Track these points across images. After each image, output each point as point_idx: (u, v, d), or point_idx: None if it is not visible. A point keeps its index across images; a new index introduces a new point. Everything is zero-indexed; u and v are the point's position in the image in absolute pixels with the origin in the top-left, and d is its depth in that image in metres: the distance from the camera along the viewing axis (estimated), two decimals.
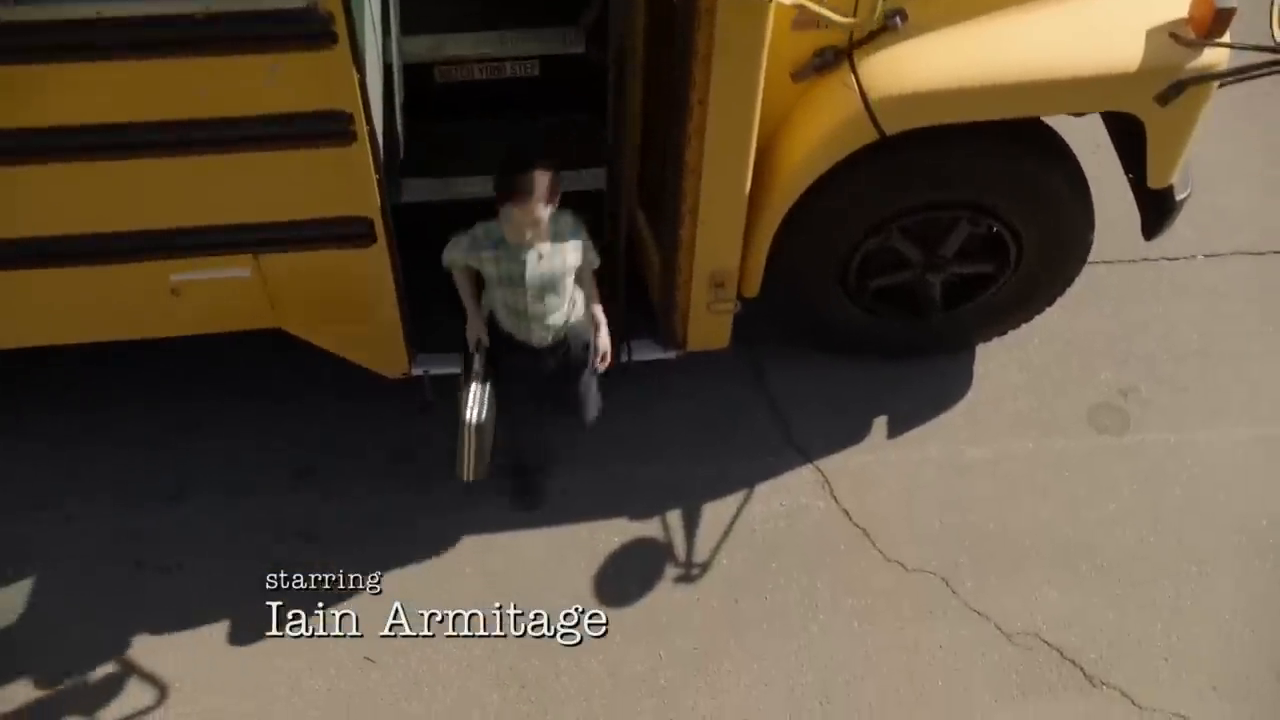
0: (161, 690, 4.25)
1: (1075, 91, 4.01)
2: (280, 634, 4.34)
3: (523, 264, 3.76)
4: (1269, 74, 3.89)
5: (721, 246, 4.24)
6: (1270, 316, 5.21)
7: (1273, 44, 3.80)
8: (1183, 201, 4.46)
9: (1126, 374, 5.03)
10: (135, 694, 4.24)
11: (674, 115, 3.86)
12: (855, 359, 4.97)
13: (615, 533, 4.59)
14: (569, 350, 4.08)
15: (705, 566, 4.54)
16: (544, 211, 3.62)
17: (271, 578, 4.41)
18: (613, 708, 4.23)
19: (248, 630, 4.36)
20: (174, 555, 4.50)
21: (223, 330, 4.35)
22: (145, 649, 4.31)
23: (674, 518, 4.64)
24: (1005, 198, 4.37)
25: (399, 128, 4.49)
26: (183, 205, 3.82)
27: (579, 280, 3.96)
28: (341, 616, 4.37)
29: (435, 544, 4.53)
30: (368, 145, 3.71)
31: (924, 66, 3.92)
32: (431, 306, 4.41)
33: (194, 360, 4.91)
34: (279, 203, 3.86)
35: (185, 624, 4.37)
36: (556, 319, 3.94)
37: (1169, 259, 5.37)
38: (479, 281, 3.97)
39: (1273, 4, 3.79)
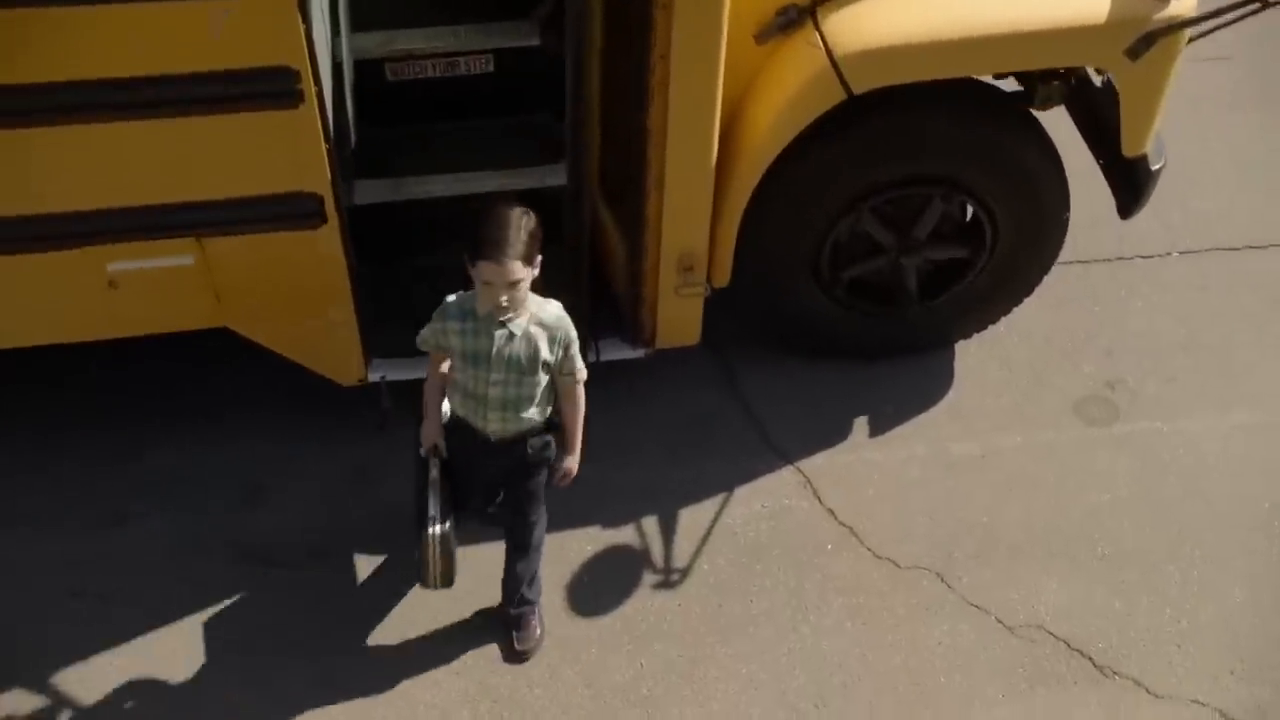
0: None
1: (1044, 45, 3.92)
2: (230, 659, 4.01)
3: (490, 340, 3.37)
4: (1241, 18, 3.82)
5: (689, 223, 4.07)
6: (1250, 308, 5.09)
7: None
8: (1158, 172, 4.35)
9: (1111, 367, 4.87)
10: None
11: (636, 74, 3.72)
12: (830, 361, 4.78)
13: (588, 541, 4.32)
14: (524, 454, 3.64)
15: (685, 571, 4.27)
16: (522, 273, 3.22)
17: (221, 602, 4.11)
18: None
19: (191, 658, 4.01)
20: (113, 582, 4.17)
21: (166, 330, 4.10)
22: (79, 679, 3.96)
23: (650, 523, 4.37)
24: (978, 171, 4.25)
25: (350, 126, 4.34)
26: (117, 181, 3.60)
27: (558, 398, 3.60)
28: (295, 639, 4.05)
29: (398, 560, 4.23)
30: (316, 109, 3.54)
31: (891, 22, 3.83)
32: (386, 316, 4.23)
33: (136, 381, 4.65)
34: (222, 177, 3.65)
35: (123, 653, 4.02)
36: (514, 420, 3.52)
37: (1144, 257, 5.26)
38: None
39: None
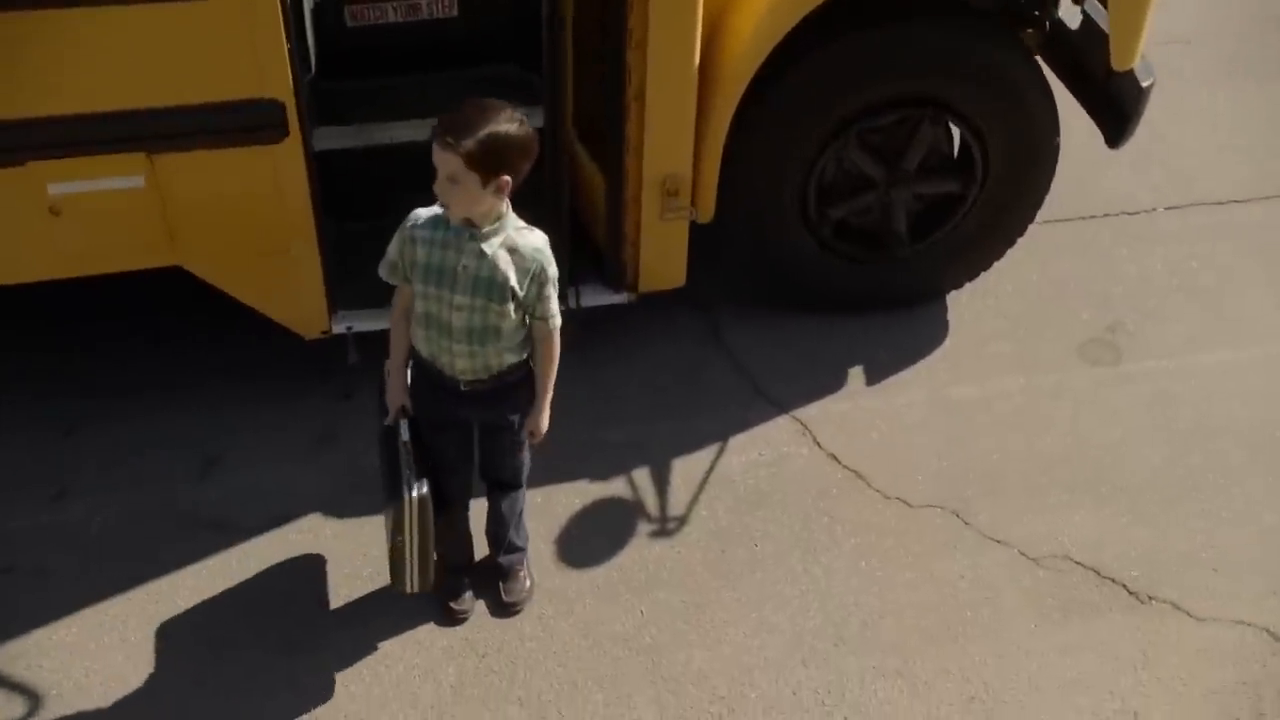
0: (35, 700, 3.46)
1: None
2: (188, 627, 3.61)
3: (458, 255, 2.99)
4: None
5: (672, 140, 3.86)
6: (1239, 254, 4.95)
7: None
8: (1149, 89, 4.23)
9: (1108, 312, 4.68)
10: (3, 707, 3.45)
11: None
12: (819, 314, 4.56)
13: (575, 495, 3.99)
14: (493, 405, 3.27)
15: (682, 520, 3.95)
16: (461, 174, 2.84)
17: (175, 570, 3.73)
18: (594, 670, 3.54)
19: (144, 627, 3.61)
20: (50, 557, 3.77)
21: (114, 269, 3.77)
22: (11, 657, 3.54)
23: (640, 475, 4.06)
24: (966, 89, 4.10)
25: (310, 55, 4.09)
26: (57, 83, 3.32)
27: (531, 341, 3.19)
28: (260, 605, 3.66)
29: (369, 524, 3.86)
30: None
31: None
32: (350, 274, 3.96)
33: (77, 350, 4.32)
34: (173, 80, 3.38)
35: (66, 627, 3.61)
36: (483, 356, 3.12)
37: (1129, 213, 5.13)
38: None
39: None
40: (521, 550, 3.71)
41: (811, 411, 4.28)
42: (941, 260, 4.53)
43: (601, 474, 4.05)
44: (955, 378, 4.42)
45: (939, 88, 4.10)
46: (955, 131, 4.32)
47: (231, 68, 3.39)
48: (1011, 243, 4.57)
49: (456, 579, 3.67)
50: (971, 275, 4.63)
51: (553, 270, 3.08)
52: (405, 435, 3.30)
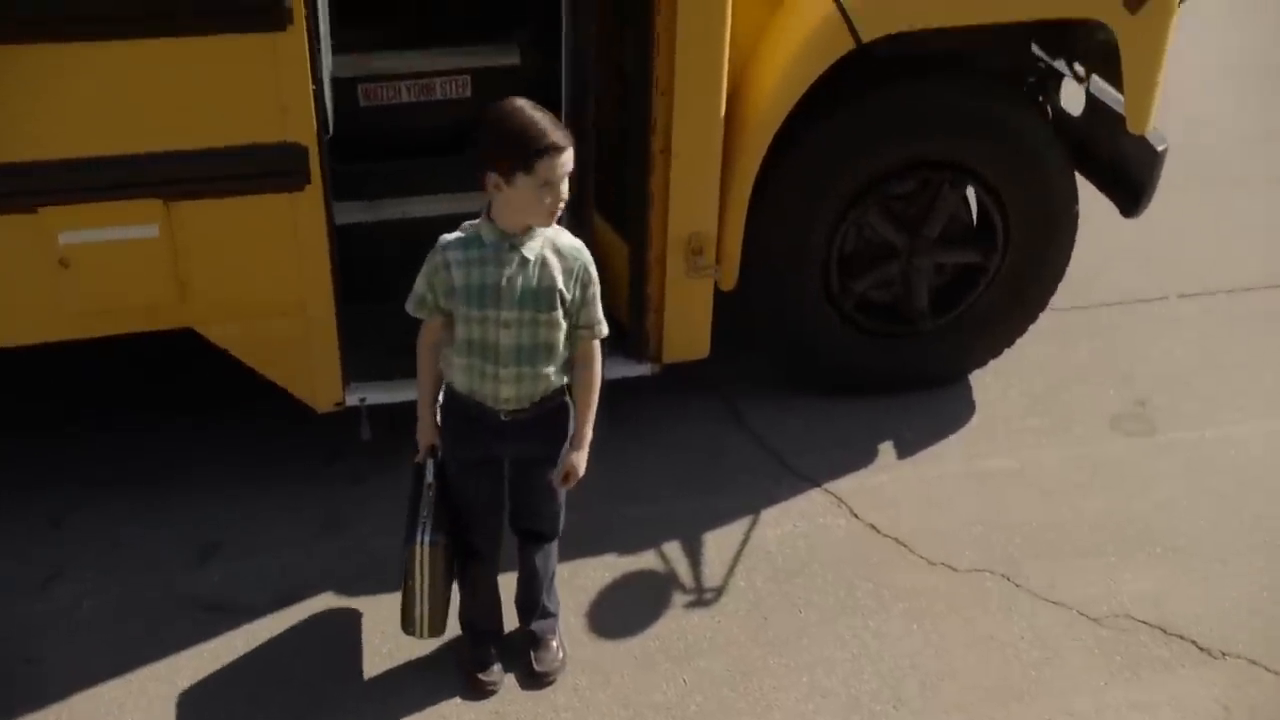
0: None
1: None
2: (195, 707, 3.30)
3: (500, 268, 2.82)
4: None
5: (698, 197, 3.80)
6: (1263, 334, 4.90)
7: None
8: (1163, 153, 4.24)
9: (1136, 389, 4.58)
10: None
11: (640, 22, 3.55)
12: (841, 397, 4.42)
13: (602, 569, 3.76)
14: (533, 436, 3.05)
15: (719, 590, 3.71)
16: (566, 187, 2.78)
17: (176, 654, 3.45)
18: None
19: (143, 712, 3.29)
20: (43, 647, 3.47)
21: (121, 330, 3.60)
22: None
23: (670, 549, 3.84)
24: (985, 152, 4.10)
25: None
26: (71, 123, 3.22)
27: (572, 365, 3.02)
28: (271, 689, 3.36)
29: (384, 603, 3.60)
30: (305, 33, 3.27)
31: None
32: (363, 345, 3.83)
33: (70, 435, 4.10)
34: (192, 121, 3.29)
35: (55, 715, 3.29)
36: (531, 380, 2.93)
37: (1143, 301, 5.10)
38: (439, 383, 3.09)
39: None
40: (554, 616, 3.45)
41: (843, 485, 4.10)
42: (965, 336, 4.45)
43: (628, 548, 3.83)
44: (988, 450, 4.27)
45: (957, 149, 4.09)
46: (975, 203, 4.31)
47: (253, 109, 3.32)
48: (1033, 318, 4.50)
49: (484, 649, 3.40)
50: (995, 352, 4.53)
51: (594, 270, 2.95)
52: (430, 477, 3.11)
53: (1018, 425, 4.40)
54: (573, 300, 2.91)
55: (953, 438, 4.33)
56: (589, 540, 3.77)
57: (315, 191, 3.47)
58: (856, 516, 3.98)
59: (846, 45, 3.74)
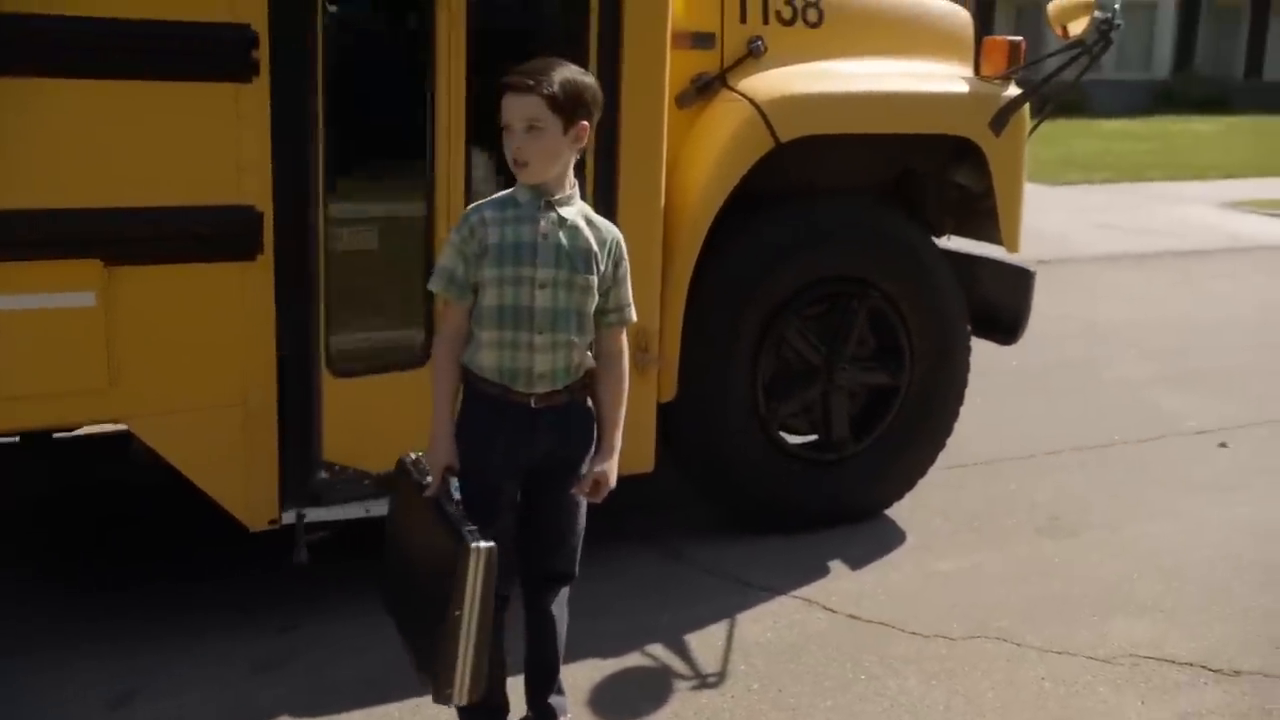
0: None
1: (932, 110, 4.24)
2: None
3: (534, 227, 2.69)
4: (1071, 64, 4.32)
5: (640, 290, 3.73)
6: (1153, 463, 5.16)
7: (1064, 42, 4.31)
8: (1034, 274, 4.59)
9: (1048, 509, 4.67)
10: None
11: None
12: (773, 532, 4.29)
13: (593, 670, 3.39)
14: (561, 430, 2.79)
15: (721, 674, 3.39)
16: (545, 118, 2.63)
17: None
18: None
19: None
20: None
21: (45, 426, 3.15)
22: None
23: (657, 650, 3.51)
24: (883, 265, 4.30)
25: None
26: (7, 170, 2.96)
27: (599, 356, 2.85)
28: None
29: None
30: (268, 86, 3.19)
31: (800, 84, 4.05)
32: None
33: None
34: (140, 175, 3.08)
35: None
36: (564, 351, 2.73)
37: (1016, 458, 5.28)
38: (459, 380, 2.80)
39: (1047, 9, 4.34)
40: (564, 694, 3.04)
41: (808, 591, 3.91)
42: (882, 463, 4.46)
43: (614, 653, 3.48)
44: (937, 556, 4.21)
45: (859, 264, 4.29)
46: (878, 327, 4.47)
47: (207, 166, 3.16)
48: (941, 444, 4.58)
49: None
50: (910, 482, 4.55)
51: (625, 249, 2.84)
52: (457, 494, 2.76)
53: (954, 539, 4.37)
54: (605, 273, 2.78)
55: (898, 550, 4.26)
56: (570, 648, 3.39)
57: (266, 263, 3.27)
58: (833, 611, 3.78)
59: (766, 143, 3.96)
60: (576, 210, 2.77)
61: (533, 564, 2.93)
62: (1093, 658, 3.53)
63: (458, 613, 2.60)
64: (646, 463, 3.95)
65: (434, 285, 2.76)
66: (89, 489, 4.53)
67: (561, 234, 2.72)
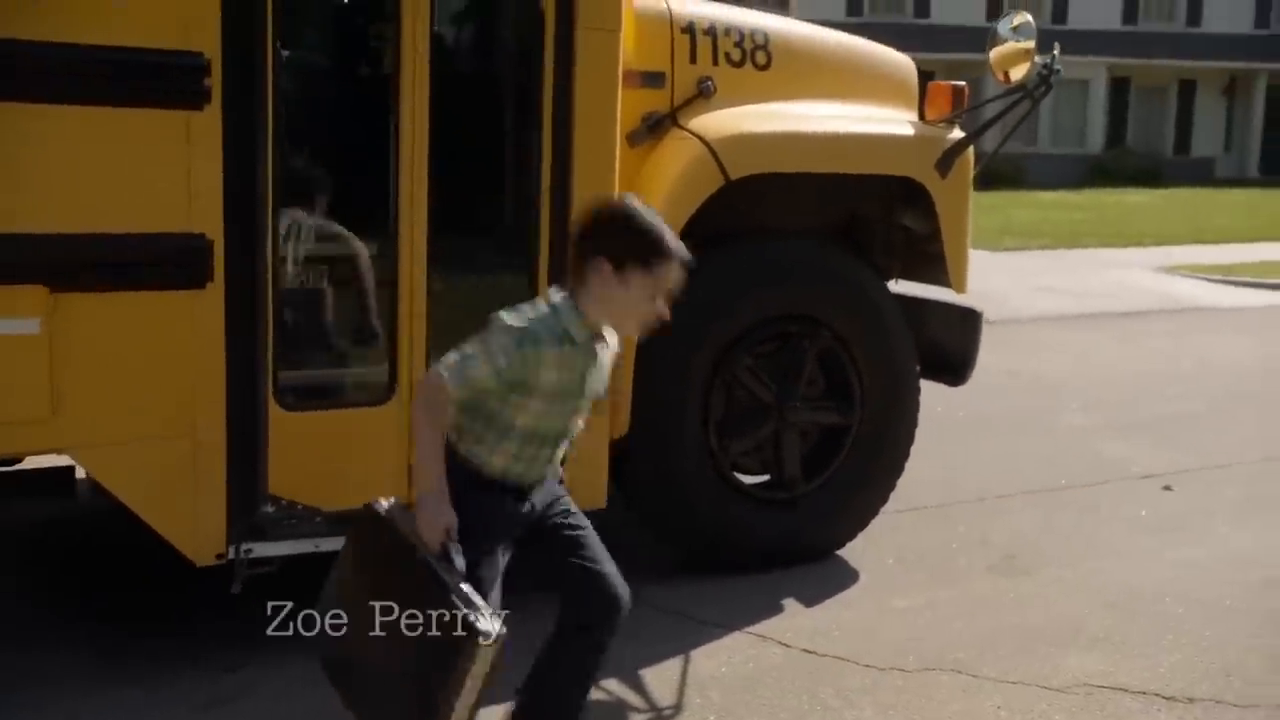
0: None
1: (880, 151, 4.31)
2: None
3: (585, 364, 2.67)
4: (1011, 109, 4.42)
5: None
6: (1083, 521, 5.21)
7: (1005, 88, 4.41)
8: (981, 315, 4.64)
9: (1001, 549, 4.68)
10: None
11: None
12: (725, 572, 4.26)
13: None
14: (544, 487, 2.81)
15: (678, 707, 3.35)
16: None
17: None
18: None
19: None
20: None
21: None
22: None
23: (611, 685, 3.46)
24: (835, 304, 4.34)
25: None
26: None
27: None
28: None
29: None
30: (220, 114, 3.18)
31: (750, 123, 4.11)
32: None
33: None
34: (90, 199, 3.07)
35: None
36: (565, 452, 2.83)
37: (966, 501, 5.30)
38: None
39: (989, 56, 4.43)
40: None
41: (762, 627, 3.88)
42: (836, 503, 4.46)
43: None
44: (892, 594, 4.20)
45: (809, 302, 4.31)
46: (828, 367, 4.49)
47: (158, 193, 3.14)
48: (893, 484, 4.58)
49: None
50: (863, 522, 4.55)
51: None
52: (460, 562, 2.54)
53: (907, 578, 4.37)
54: None
55: (853, 588, 4.25)
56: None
57: (216, 292, 3.24)
58: (789, 645, 3.75)
59: (716, 180, 4.00)
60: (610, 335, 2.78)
61: (603, 595, 2.81)
62: (1047, 687, 3.52)
63: (452, 702, 2.39)
64: (598, 499, 3.93)
65: (456, 379, 2.57)
66: (32, 525, 4.43)
67: (600, 366, 2.74)
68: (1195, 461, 5.95)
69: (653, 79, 4.06)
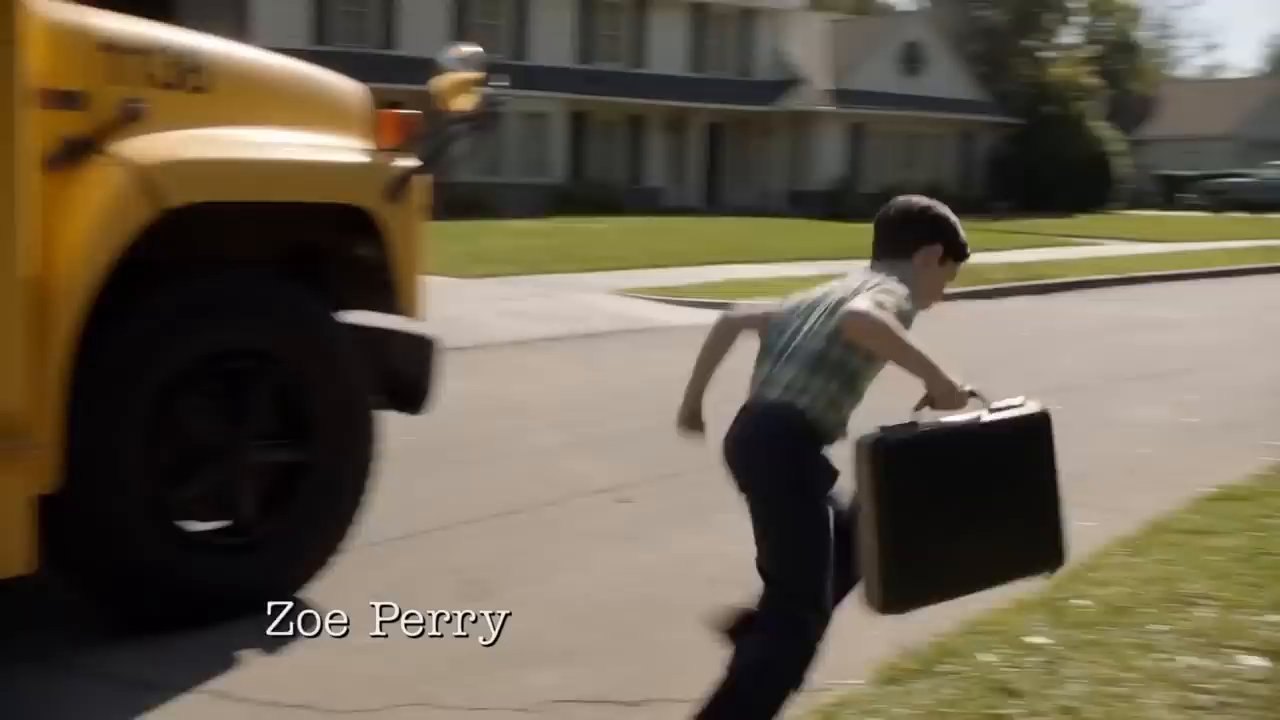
0: None
1: (324, 179, 4.24)
2: None
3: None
4: (459, 138, 4.48)
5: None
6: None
7: (451, 117, 4.46)
8: (436, 342, 4.66)
9: (467, 574, 4.71)
10: None
11: None
12: (176, 627, 3.98)
13: None
14: None
15: None
16: None
17: None
18: None
19: None
20: None
21: None
22: None
23: None
24: (285, 338, 4.19)
25: None
26: None
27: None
28: None
29: None
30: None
31: (187, 149, 3.89)
32: None
33: None
34: None
35: None
36: None
37: (433, 530, 5.31)
38: None
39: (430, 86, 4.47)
40: None
41: (218, 683, 3.65)
42: (296, 543, 4.31)
43: None
44: (355, 633, 4.08)
45: (253, 337, 4.14)
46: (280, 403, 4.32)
47: None
48: (353, 520, 4.46)
49: None
50: (323, 561, 4.41)
51: None
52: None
53: (372, 615, 4.27)
54: None
55: (317, 631, 4.09)
56: None
57: None
58: (248, 700, 3.56)
59: (148, 212, 3.73)
60: None
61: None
62: (510, 708, 3.58)
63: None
64: (22, 564, 3.52)
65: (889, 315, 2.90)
66: None
67: None
68: (648, 473, 6.33)
69: (69, 99, 3.72)
